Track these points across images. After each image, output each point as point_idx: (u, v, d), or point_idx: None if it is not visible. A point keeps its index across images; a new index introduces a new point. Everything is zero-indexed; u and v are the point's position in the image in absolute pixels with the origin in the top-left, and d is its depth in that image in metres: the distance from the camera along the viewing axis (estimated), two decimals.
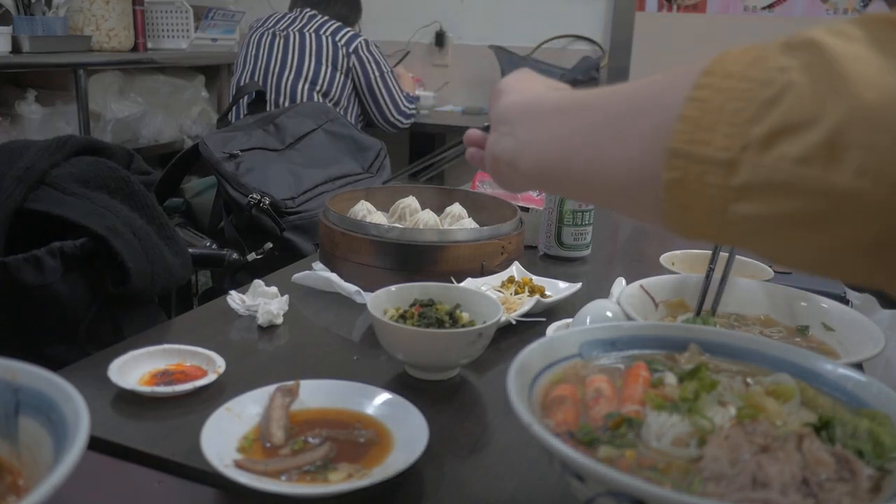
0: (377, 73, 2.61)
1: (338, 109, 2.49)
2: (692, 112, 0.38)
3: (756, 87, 0.35)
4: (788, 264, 0.38)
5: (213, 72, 3.21)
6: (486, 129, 0.70)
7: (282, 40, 2.53)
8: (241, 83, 2.58)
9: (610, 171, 0.44)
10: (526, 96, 0.56)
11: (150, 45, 3.01)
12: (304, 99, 2.49)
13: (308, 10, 2.60)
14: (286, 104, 2.44)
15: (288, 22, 2.57)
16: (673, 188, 0.38)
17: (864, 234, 0.33)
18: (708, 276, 0.87)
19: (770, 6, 2.98)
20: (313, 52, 2.51)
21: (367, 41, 2.60)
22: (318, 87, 2.52)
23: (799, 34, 0.36)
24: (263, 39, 2.56)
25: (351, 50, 2.55)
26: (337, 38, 2.55)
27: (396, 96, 2.69)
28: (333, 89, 2.54)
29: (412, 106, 2.76)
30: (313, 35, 2.53)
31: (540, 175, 0.52)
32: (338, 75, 2.53)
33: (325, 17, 2.59)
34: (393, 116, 2.70)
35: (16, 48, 2.40)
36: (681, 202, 0.39)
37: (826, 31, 0.36)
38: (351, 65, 2.55)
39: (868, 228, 0.33)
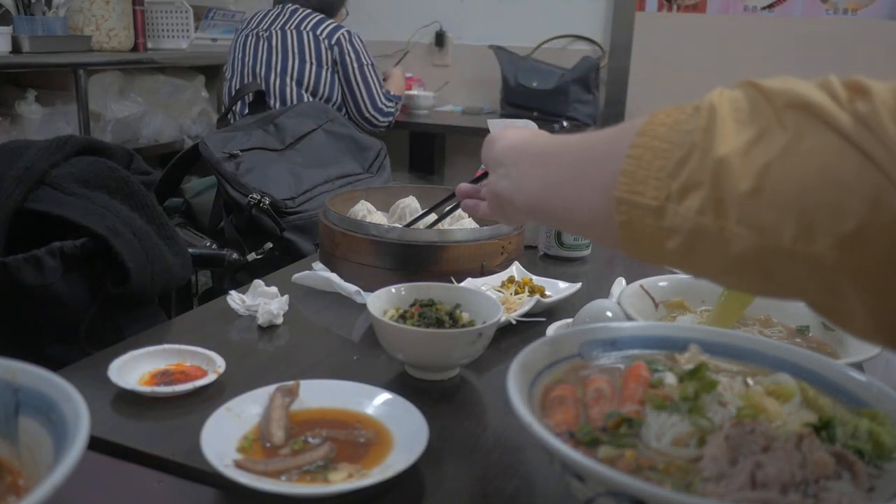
0: (355, 65, 2.51)
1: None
2: (630, 167, 0.46)
3: (673, 148, 0.44)
4: (707, 279, 0.48)
5: (213, 72, 3.20)
6: (476, 181, 0.80)
7: (265, 42, 2.48)
8: (232, 87, 2.56)
9: (580, 209, 0.53)
10: (516, 141, 0.64)
11: (150, 45, 3.00)
12: (294, 99, 2.47)
13: (290, 4, 2.54)
14: (277, 106, 2.42)
15: (270, 21, 2.51)
16: (623, 227, 0.48)
17: (737, 256, 0.42)
18: None
19: (770, 6, 2.98)
20: (296, 50, 2.46)
21: (349, 32, 2.51)
22: (304, 86, 2.46)
23: (706, 98, 0.45)
24: (248, 42, 2.52)
25: (333, 42, 2.47)
26: (318, 32, 2.48)
27: (375, 91, 2.57)
28: (321, 87, 2.48)
29: (391, 104, 2.63)
30: (294, 32, 2.47)
31: (532, 210, 0.60)
32: (323, 72, 2.47)
33: (307, 11, 2.51)
34: (368, 112, 2.57)
35: (16, 48, 2.39)
36: (631, 238, 0.48)
37: (720, 94, 0.44)
38: (334, 58, 2.48)
39: (740, 253, 0.42)
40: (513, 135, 0.65)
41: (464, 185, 0.81)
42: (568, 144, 0.56)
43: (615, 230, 0.48)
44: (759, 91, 0.43)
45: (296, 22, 2.49)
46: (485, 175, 0.78)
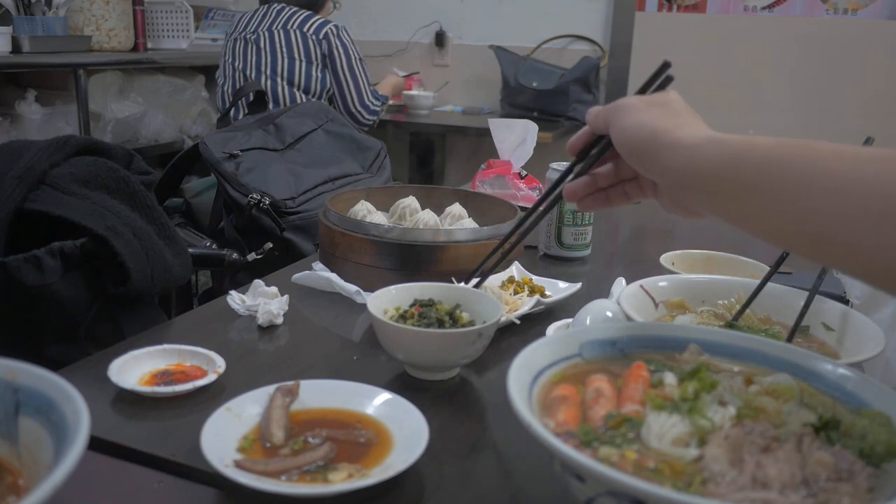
0: (343, 59, 2.51)
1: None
2: None
3: None
4: None
5: (213, 72, 3.19)
6: (571, 172, 0.70)
7: (252, 45, 2.47)
8: (225, 92, 2.56)
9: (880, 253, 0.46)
10: (723, 157, 0.54)
11: (150, 45, 3.00)
12: (287, 99, 2.46)
13: (275, 3, 2.53)
14: (272, 107, 2.41)
15: (257, 22, 2.51)
16: None
17: None
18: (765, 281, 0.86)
19: (770, 6, 2.98)
20: (284, 50, 2.45)
21: (336, 27, 2.50)
22: (296, 85, 2.45)
23: None
24: (237, 46, 2.51)
25: (321, 37, 2.47)
26: (305, 29, 2.47)
27: (363, 87, 2.57)
28: (312, 85, 2.47)
29: (377, 103, 2.62)
30: (281, 32, 2.46)
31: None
32: (313, 69, 2.46)
33: (293, 9, 2.50)
34: (354, 107, 2.57)
35: (16, 48, 2.39)
36: None
37: None
38: (323, 52, 2.47)
39: None
40: (699, 135, 0.57)
41: (574, 184, 0.68)
42: (830, 168, 0.48)
43: None
44: None
45: (282, 21, 2.48)
46: (580, 160, 0.68)
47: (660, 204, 0.64)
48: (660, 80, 0.66)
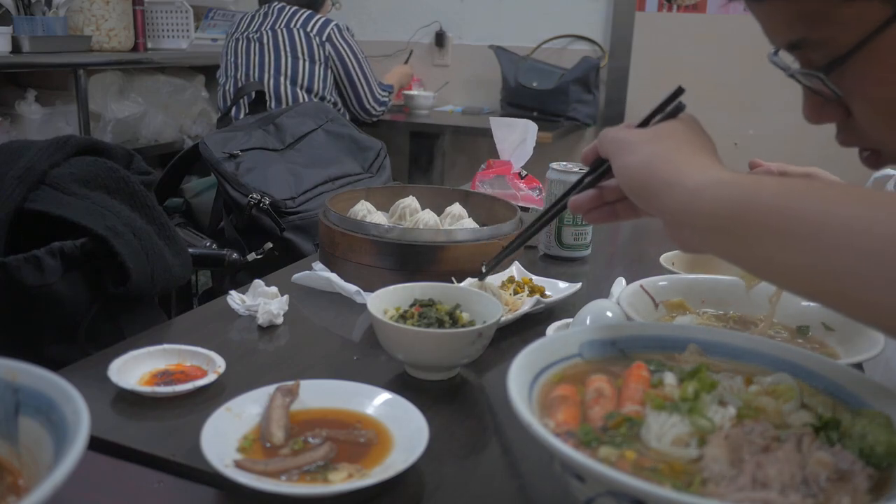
0: (354, 61, 2.54)
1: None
2: None
3: None
4: None
5: (213, 72, 3.19)
6: (579, 185, 0.68)
7: (255, 44, 2.48)
8: (226, 91, 2.56)
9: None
10: (732, 199, 0.53)
11: (150, 45, 3.00)
12: (290, 98, 2.47)
13: (276, 3, 2.54)
14: (273, 106, 2.42)
15: (259, 22, 2.52)
16: None
17: None
18: None
19: None
20: (287, 49, 2.46)
21: (338, 26, 2.53)
22: (299, 84, 2.46)
23: None
24: (240, 45, 2.52)
25: (325, 38, 2.48)
26: (308, 29, 2.48)
27: (373, 83, 2.62)
28: (316, 84, 2.48)
29: (385, 94, 2.69)
30: (284, 31, 2.47)
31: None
32: (316, 68, 2.48)
33: (294, 8, 2.52)
34: (369, 104, 2.63)
35: (16, 48, 2.39)
36: None
37: None
38: (327, 54, 2.49)
39: None
40: (706, 178, 0.55)
41: (579, 198, 0.68)
42: (840, 213, 0.46)
43: None
44: None
45: (284, 20, 2.49)
46: (591, 171, 0.67)
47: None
48: (670, 107, 0.65)
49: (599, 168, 0.67)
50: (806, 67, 0.61)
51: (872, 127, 0.60)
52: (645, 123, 0.65)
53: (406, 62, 3.29)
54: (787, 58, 0.64)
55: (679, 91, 0.64)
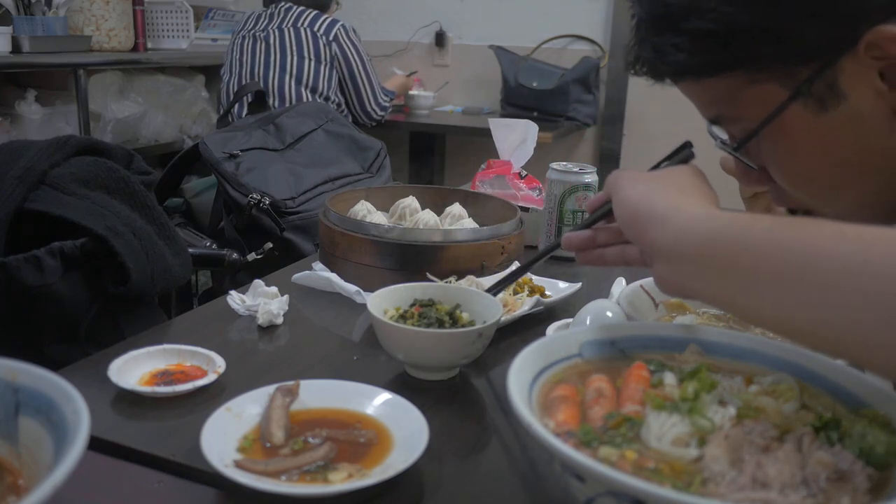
0: (359, 62, 2.55)
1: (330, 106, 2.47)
2: None
3: None
4: None
5: (213, 72, 3.20)
6: (586, 225, 0.70)
7: (262, 42, 2.48)
8: (230, 89, 2.56)
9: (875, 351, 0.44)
10: (711, 236, 0.53)
11: (150, 45, 3.00)
12: (293, 97, 2.47)
13: (283, 3, 2.54)
14: (276, 105, 2.42)
15: (266, 21, 2.52)
16: None
17: None
18: None
19: None
20: (294, 48, 2.46)
21: (345, 27, 2.53)
22: (304, 83, 2.46)
23: None
24: (245, 44, 2.52)
25: (331, 38, 2.49)
26: (315, 28, 2.48)
27: (376, 86, 2.63)
28: (321, 84, 2.48)
29: (387, 98, 2.70)
30: (291, 30, 2.47)
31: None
32: (322, 68, 2.48)
33: (301, 8, 2.52)
34: (370, 106, 2.63)
35: (16, 48, 2.39)
36: None
37: None
38: (333, 54, 2.49)
39: None
40: (693, 215, 0.55)
41: (573, 236, 0.70)
42: (834, 251, 0.45)
43: None
44: None
45: (291, 20, 2.50)
46: (600, 219, 0.69)
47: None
48: (677, 158, 0.69)
49: (601, 209, 0.69)
50: (730, 139, 0.68)
51: (794, 192, 0.67)
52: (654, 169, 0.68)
53: (409, 75, 3.29)
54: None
55: (686, 145, 0.69)
